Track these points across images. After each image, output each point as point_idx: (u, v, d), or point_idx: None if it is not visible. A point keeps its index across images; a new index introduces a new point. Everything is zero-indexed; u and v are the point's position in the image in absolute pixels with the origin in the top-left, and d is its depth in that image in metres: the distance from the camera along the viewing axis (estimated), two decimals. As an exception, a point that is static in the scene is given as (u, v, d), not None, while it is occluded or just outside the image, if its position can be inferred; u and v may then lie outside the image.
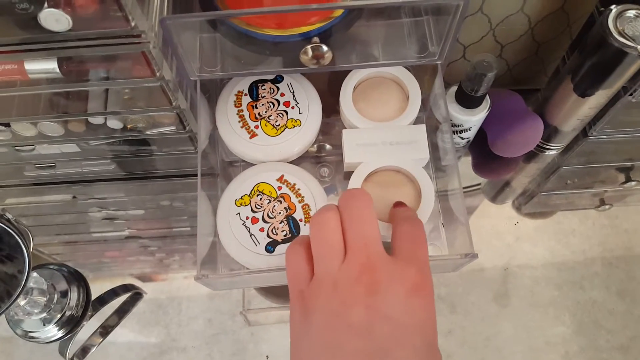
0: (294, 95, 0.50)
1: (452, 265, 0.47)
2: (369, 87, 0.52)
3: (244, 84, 0.51)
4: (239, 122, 0.49)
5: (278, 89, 0.51)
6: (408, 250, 0.36)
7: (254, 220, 0.46)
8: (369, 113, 0.50)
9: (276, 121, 0.49)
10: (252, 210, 0.46)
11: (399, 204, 0.44)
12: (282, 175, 0.48)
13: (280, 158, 0.49)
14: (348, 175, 0.49)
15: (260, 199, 0.47)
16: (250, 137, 0.49)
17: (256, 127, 0.49)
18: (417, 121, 0.50)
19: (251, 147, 0.49)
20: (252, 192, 0.47)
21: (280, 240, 0.45)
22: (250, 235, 0.46)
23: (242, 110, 0.50)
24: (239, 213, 0.46)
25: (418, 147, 0.48)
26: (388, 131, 0.49)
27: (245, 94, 0.51)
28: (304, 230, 0.46)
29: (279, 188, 0.47)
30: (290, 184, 0.47)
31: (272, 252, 0.45)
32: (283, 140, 0.49)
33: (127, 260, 0.65)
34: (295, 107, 0.50)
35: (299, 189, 0.47)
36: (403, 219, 0.39)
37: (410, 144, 0.48)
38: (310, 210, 0.46)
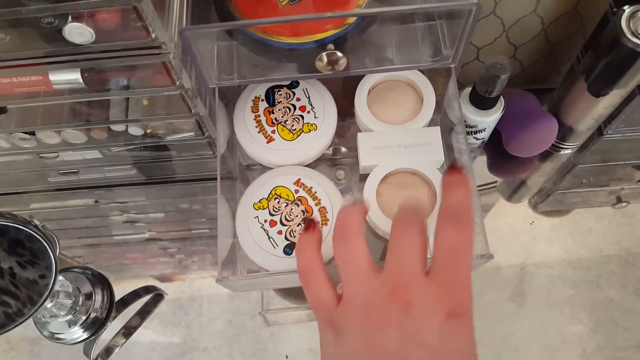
0: (309, 100, 0.51)
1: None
2: (383, 90, 0.52)
3: (260, 90, 0.52)
4: (256, 127, 0.50)
5: (294, 94, 0.52)
6: (447, 268, 0.32)
7: (272, 223, 0.47)
8: (384, 116, 0.51)
9: (292, 126, 0.50)
10: (270, 213, 0.47)
11: (452, 170, 0.35)
12: (299, 179, 0.49)
13: (297, 162, 0.50)
14: (364, 177, 0.50)
15: (278, 202, 0.48)
16: (268, 142, 0.50)
17: (273, 132, 0.50)
18: (431, 123, 0.51)
19: (268, 152, 0.50)
20: (270, 196, 0.48)
21: None
22: (269, 238, 0.47)
23: (259, 116, 0.51)
24: (257, 216, 0.47)
25: (433, 149, 0.49)
26: (403, 134, 0.49)
27: (262, 100, 0.52)
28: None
29: (296, 191, 0.48)
30: (307, 187, 0.48)
31: (290, 254, 0.46)
32: (299, 144, 0.50)
33: (148, 262, 0.66)
34: (311, 111, 0.51)
35: (315, 192, 0.48)
36: (448, 217, 0.33)
37: (425, 146, 0.49)
38: (327, 212, 0.47)
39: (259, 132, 0.50)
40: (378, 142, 0.49)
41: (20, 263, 0.41)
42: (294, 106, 0.51)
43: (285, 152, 0.50)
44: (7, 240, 0.40)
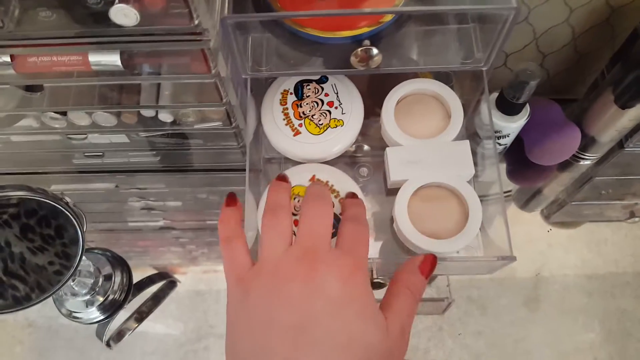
0: (337, 96, 0.52)
1: (487, 268, 0.48)
2: (410, 103, 0.52)
3: (289, 83, 0.52)
4: (284, 119, 0.51)
5: (322, 89, 0.52)
6: (349, 245, 0.37)
7: (295, 223, 0.47)
8: (412, 130, 0.51)
9: (319, 120, 0.51)
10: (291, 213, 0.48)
11: (351, 195, 0.47)
12: (314, 175, 0.49)
13: (321, 156, 0.51)
14: (392, 191, 0.50)
15: (298, 201, 0.48)
16: (294, 135, 0.50)
17: (300, 125, 0.51)
18: (458, 135, 0.50)
19: (294, 145, 0.50)
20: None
21: None
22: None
23: (287, 109, 0.52)
24: None
25: (462, 162, 0.49)
26: (432, 148, 0.49)
27: (291, 93, 0.52)
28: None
29: None
30: (322, 182, 0.49)
31: None
32: (325, 139, 0.50)
33: (159, 250, 0.67)
34: (339, 107, 0.51)
35: (332, 185, 0.49)
36: (350, 219, 0.40)
37: (454, 160, 0.49)
38: None
39: (286, 124, 0.51)
40: (407, 157, 0.49)
41: (31, 249, 0.41)
42: (322, 101, 0.52)
43: (310, 146, 0.50)
44: (19, 226, 0.41)
